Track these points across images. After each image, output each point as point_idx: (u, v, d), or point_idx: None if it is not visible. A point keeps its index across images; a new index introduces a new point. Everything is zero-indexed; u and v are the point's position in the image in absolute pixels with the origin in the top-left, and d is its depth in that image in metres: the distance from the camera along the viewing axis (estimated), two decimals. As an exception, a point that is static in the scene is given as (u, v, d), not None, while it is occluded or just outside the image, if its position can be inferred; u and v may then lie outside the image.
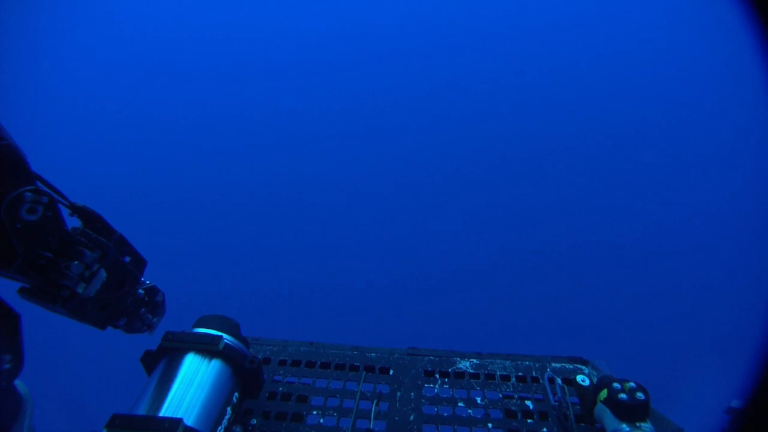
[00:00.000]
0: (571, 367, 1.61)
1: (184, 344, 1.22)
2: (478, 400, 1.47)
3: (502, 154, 7.53)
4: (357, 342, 1.70)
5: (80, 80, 7.91)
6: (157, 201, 6.94)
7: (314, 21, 9.02)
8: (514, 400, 1.47)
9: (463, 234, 6.79)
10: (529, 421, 1.40)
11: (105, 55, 8.22)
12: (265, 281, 6.27)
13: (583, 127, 7.63)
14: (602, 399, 1.28)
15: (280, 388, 1.50)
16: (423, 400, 1.47)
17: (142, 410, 1.07)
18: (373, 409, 1.41)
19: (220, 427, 1.15)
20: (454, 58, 8.61)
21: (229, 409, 1.20)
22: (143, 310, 1.16)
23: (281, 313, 5.87)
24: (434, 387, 1.52)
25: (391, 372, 1.58)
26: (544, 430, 1.37)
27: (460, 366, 1.60)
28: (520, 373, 1.57)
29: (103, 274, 0.96)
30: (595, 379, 1.41)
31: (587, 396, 1.36)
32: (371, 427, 1.36)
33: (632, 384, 1.26)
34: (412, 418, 1.41)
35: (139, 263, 1.13)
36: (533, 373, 1.58)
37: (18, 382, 0.88)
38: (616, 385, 1.26)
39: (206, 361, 1.21)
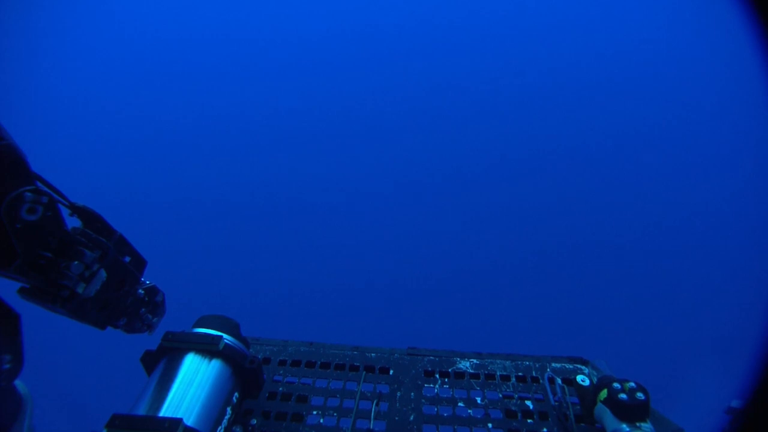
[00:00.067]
0: (571, 367, 1.61)
1: (184, 344, 1.22)
2: (478, 400, 1.47)
3: (502, 154, 7.53)
4: (357, 342, 1.70)
5: (80, 80, 7.91)
6: (157, 201, 6.94)
7: (314, 21, 9.02)
8: (514, 400, 1.47)
9: (463, 234, 6.79)
10: (529, 421, 1.40)
11: (105, 55, 8.23)
12: (265, 281, 6.27)
13: (583, 127, 7.63)
14: (602, 399, 1.28)
15: (280, 388, 1.50)
16: (423, 400, 1.47)
17: (142, 410, 1.07)
18: (373, 409, 1.41)
19: (220, 427, 1.15)
20: (453, 58, 8.61)
21: (229, 409, 1.20)
22: (143, 310, 1.16)
23: (281, 313, 5.87)
24: (434, 387, 1.52)
25: (391, 372, 1.58)
26: (544, 430, 1.37)
27: (460, 366, 1.60)
28: (520, 373, 1.57)
29: (103, 274, 0.96)
30: (595, 379, 1.41)
31: (587, 396, 1.36)
32: (371, 427, 1.36)
33: (632, 384, 1.26)
34: (412, 418, 1.41)
35: (139, 263, 1.13)
36: (533, 373, 1.58)
37: (18, 382, 0.88)
38: (616, 385, 1.26)
39: (206, 361, 1.21)
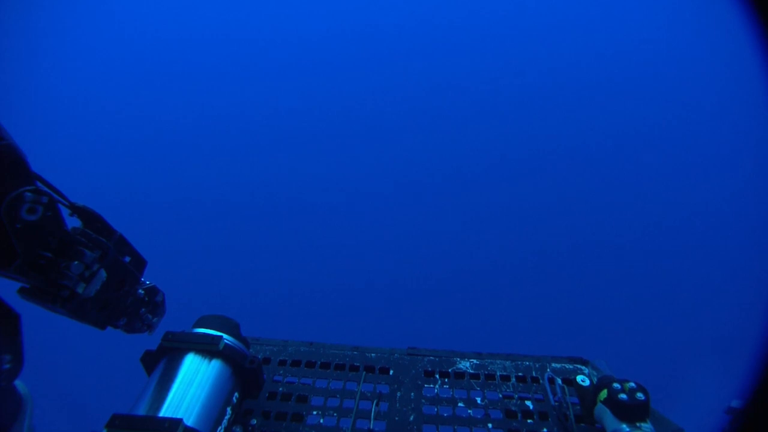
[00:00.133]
0: (571, 367, 1.61)
1: (184, 344, 1.22)
2: (478, 400, 1.47)
3: (502, 154, 7.53)
4: (357, 342, 1.70)
5: (80, 80, 7.91)
6: (157, 201, 6.94)
7: (314, 21, 9.02)
8: (514, 401, 1.47)
9: (463, 234, 6.79)
10: (529, 421, 1.40)
11: (105, 55, 8.23)
12: (265, 281, 6.27)
13: (583, 127, 7.63)
14: (602, 399, 1.28)
15: (280, 388, 1.50)
16: (423, 400, 1.47)
17: (142, 410, 1.07)
18: (373, 409, 1.41)
19: (220, 427, 1.15)
20: (453, 58, 8.61)
21: (229, 409, 1.20)
22: (143, 310, 1.16)
23: (281, 313, 5.87)
24: (434, 387, 1.52)
25: (391, 372, 1.58)
26: (544, 430, 1.37)
27: (460, 366, 1.60)
28: (520, 374, 1.57)
29: (103, 274, 0.96)
30: (595, 379, 1.41)
31: (587, 396, 1.36)
32: (371, 427, 1.36)
33: (632, 384, 1.26)
34: (412, 418, 1.41)
35: (139, 263, 1.13)
36: (533, 373, 1.58)
37: (18, 382, 0.88)
38: (616, 385, 1.26)
39: (206, 361, 1.21)
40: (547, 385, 1.50)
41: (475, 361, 1.63)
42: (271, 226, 6.91)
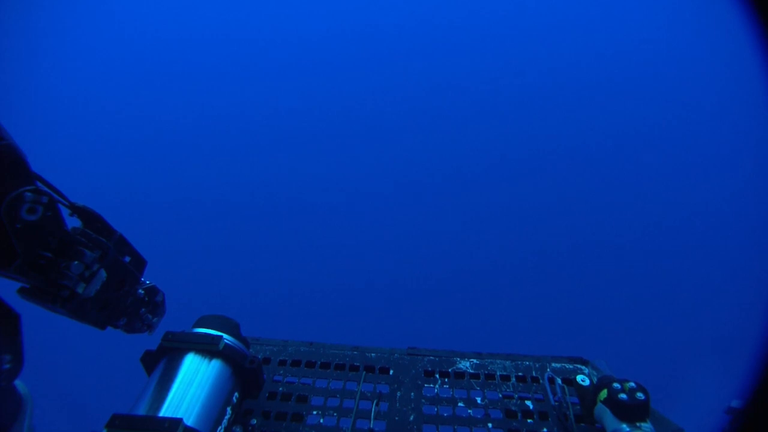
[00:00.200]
0: (571, 367, 1.61)
1: (184, 344, 1.22)
2: (478, 400, 1.47)
3: (502, 154, 7.53)
4: (357, 342, 1.70)
5: (80, 80, 7.91)
6: (157, 201, 6.94)
7: (314, 21, 9.02)
8: (514, 400, 1.47)
9: (463, 234, 6.79)
10: (529, 421, 1.40)
11: (105, 55, 8.23)
12: (265, 281, 6.27)
13: (583, 127, 7.63)
14: (602, 399, 1.28)
15: (280, 388, 1.50)
16: (423, 400, 1.47)
17: (142, 410, 1.07)
18: (373, 409, 1.41)
19: (220, 427, 1.15)
20: (453, 58, 8.61)
21: (229, 409, 1.20)
22: (143, 310, 1.16)
23: (281, 313, 5.87)
24: (434, 387, 1.52)
25: (391, 372, 1.58)
26: (544, 430, 1.37)
27: (460, 366, 1.60)
28: (520, 373, 1.57)
29: (103, 274, 0.96)
30: (595, 379, 1.41)
31: (587, 396, 1.36)
32: (371, 427, 1.36)
33: (632, 384, 1.26)
34: (412, 418, 1.41)
35: (139, 263, 1.13)
36: (533, 373, 1.58)
37: (18, 382, 0.88)
38: (616, 385, 1.26)
39: (206, 361, 1.21)
40: (547, 385, 1.50)
41: (475, 361, 1.63)
42: (271, 226, 6.91)
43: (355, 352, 1.65)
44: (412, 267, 6.37)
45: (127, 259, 1.09)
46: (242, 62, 8.73)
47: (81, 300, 0.93)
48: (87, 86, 7.86)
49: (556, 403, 1.43)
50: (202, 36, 8.77)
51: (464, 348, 1.68)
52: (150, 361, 1.24)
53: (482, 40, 8.77)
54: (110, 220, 1.04)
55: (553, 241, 6.50)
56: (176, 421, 1.02)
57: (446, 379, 1.56)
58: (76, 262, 0.90)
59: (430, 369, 1.59)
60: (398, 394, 1.49)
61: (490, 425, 1.39)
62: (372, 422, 1.37)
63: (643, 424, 1.21)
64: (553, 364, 1.62)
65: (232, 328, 1.32)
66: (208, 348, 1.22)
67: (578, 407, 1.40)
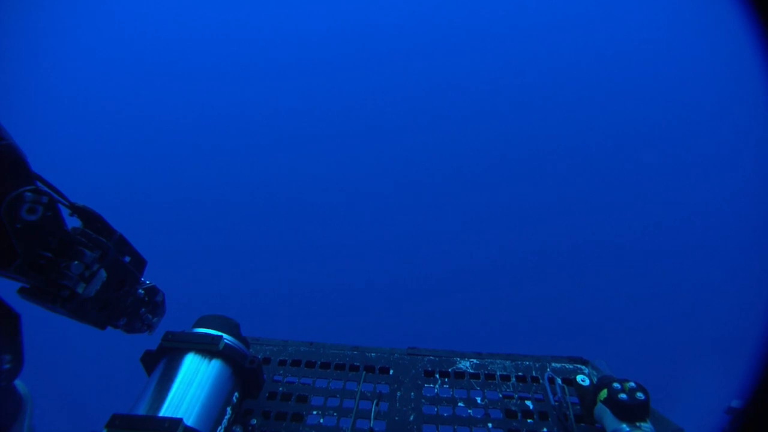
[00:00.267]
0: (571, 367, 1.61)
1: (184, 344, 1.22)
2: (478, 400, 1.47)
3: (502, 154, 7.53)
4: (357, 342, 1.70)
5: (80, 80, 7.91)
6: (157, 201, 6.94)
7: (314, 21, 9.02)
8: (514, 400, 1.47)
9: (463, 234, 6.79)
10: (529, 421, 1.40)
11: (105, 55, 8.23)
12: (265, 281, 6.27)
13: (583, 127, 7.63)
14: (602, 399, 1.28)
15: (280, 388, 1.50)
16: (423, 400, 1.47)
17: (142, 410, 1.07)
18: (373, 409, 1.41)
19: (220, 427, 1.15)
20: (453, 58, 8.61)
21: (229, 409, 1.20)
22: (143, 310, 1.16)
23: (281, 313, 5.87)
24: (434, 387, 1.52)
25: (391, 372, 1.58)
26: (544, 430, 1.37)
27: (460, 366, 1.60)
28: (520, 373, 1.57)
29: (103, 274, 0.96)
30: (595, 379, 1.41)
31: (587, 396, 1.36)
32: (371, 427, 1.36)
33: (632, 384, 1.26)
34: (412, 418, 1.41)
35: (139, 263, 1.13)
36: (533, 373, 1.58)
37: (18, 382, 0.88)
38: (616, 385, 1.26)
39: (206, 361, 1.21)
40: (547, 384, 1.50)
41: (475, 361, 1.63)
42: (271, 226, 6.91)
43: (355, 352, 1.65)
44: (412, 267, 6.37)
45: (127, 259, 1.09)
46: (242, 62, 8.73)
47: (81, 300, 0.93)
48: (87, 86, 7.86)
49: (556, 403, 1.43)
50: (202, 36, 8.77)
51: (464, 348, 1.68)
52: (150, 361, 1.23)
53: (482, 40, 8.77)
54: (110, 220, 1.04)
55: (553, 241, 6.50)
56: (176, 421, 1.02)
57: (446, 379, 1.56)
58: (76, 262, 0.90)
59: (430, 369, 1.59)
60: (398, 394, 1.49)
61: (490, 425, 1.39)
62: (372, 422, 1.37)
63: (643, 424, 1.21)
64: (553, 364, 1.62)
65: (232, 328, 1.32)
66: (208, 348, 1.22)
67: (578, 407, 1.40)
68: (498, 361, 1.63)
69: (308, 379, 1.54)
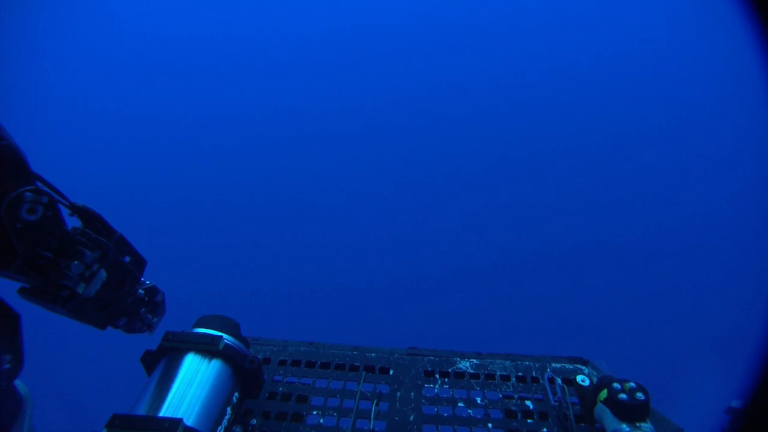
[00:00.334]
0: (571, 367, 1.61)
1: (184, 344, 1.22)
2: (478, 400, 1.47)
3: (502, 154, 7.54)
4: (357, 342, 1.70)
5: (80, 80, 7.91)
6: (157, 201, 6.94)
7: (314, 21, 9.02)
8: (514, 400, 1.47)
9: (463, 234, 6.79)
10: (529, 421, 1.40)
11: (105, 55, 8.22)
12: (265, 281, 6.27)
13: (583, 127, 7.63)
14: (602, 399, 1.28)
15: (280, 388, 1.50)
16: (423, 400, 1.47)
17: (142, 410, 1.07)
18: (373, 409, 1.41)
19: (220, 427, 1.15)
20: (453, 58, 8.61)
21: (229, 409, 1.20)
22: (143, 310, 1.16)
23: (281, 313, 5.87)
24: (434, 387, 1.52)
25: (391, 372, 1.58)
26: (544, 430, 1.37)
27: (460, 366, 1.60)
28: (520, 373, 1.57)
29: (103, 274, 0.96)
30: (595, 379, 1.41)
31: (587, 396, 1.36)
32: (371, 427, 1.36)
33: (632, 384, 1.26)
34: (412, 418, 1.41)
35: (139, 263, 1.13)
36: (533, 373, 1.58)
37: (18, 382, 0.88)
38: (616, 385, 1.26)
39: (206, 361, 1.21)
40: (547, 385, 1.50)
41: (475, 361, 1.63)
42: (271, 226, 6.91)
43: (355, 352, 1.65)
44: (412, 267, 6.37)
45: (127, 259, 1.09)
46: (242, 62, 8.73)
47: (81, 300, 0.93)
48: (87, 86, 7.86)
49: (556, 403, 1.43)
50: (202, 36, 8.77)
51: (464, 348, 1.68)
52: (150, 361, 1.23)
53: (482, 40, 8.77)
54: (110, 220, 1.04)
55: (553, 241, 6.50)
56: (176, 421, 1.02)
57: (446, 379, 1.56)
58: (76, 262, 0.90)
59: (430, 369, 1.59)
60: (398, 394, 1.49)
61: (490, 425, 1.39)
62: (372, 422, 1.37)
63: (643, 424, 1.21)
64: (553, 364, 1.62)
65: (232, 328, 1.32)
66: (208, 348, 1.22)
67: (578, 407, 1.40)
68: (498, 362, 1.63)
69: (308, 379, 1.54)
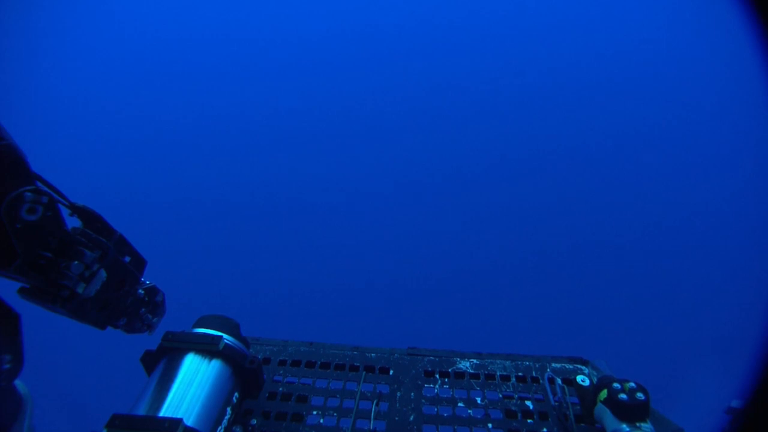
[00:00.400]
0: (571, 367, 1.61)
1: (184, 344, 1.22)
2: (478, 400, 1.47)
3: (502, 154, 7.54)
4: (357, 342, 1.70)
5: (80, 80, 7.91)
6: (157, 201, 6.94)
7: (314, 21, 9.02)
8: (514, 401, 1.47)
9: (463, 234, 6.79)
10: (529, 421, 1.40)
11: (105, 55, 8.23)
12: (265, 281, 6.27)
13: (583, 127, 7.63)
14: (602, 399, 1.28)
15: (280, 388, 1.50)
16: (423, 400, 1.47)
17: (142, 410, 1.07)
18: (373, 409, 1.41)
19: (220, 427, 1.15)
20: (453, 58, 8.61)
21: (229, 409, 1.20)
22: (143, 310, 1.16)
23: (281, 313, 5.87)
24: (434, 387, 1.52)
25: (391, 372, 1.58)
26: (544, 430, 1.37)
27: (460, 366, 1.60)
28: (520, 374, 1.57)
29: (103, 274, 0.96)
30: (595, 379, 1.41)
31: (587, 396, 1.36)
32: (371, 427, 1.36)
33: (632, 384, 1.26)
34: (412, 418, 1.41)
35: (139, 263, 1.13)
36: (533, 373, 1.58)
37: (18, 382, 0.88)
38: (616, 385, 1.26)
39: (206, 361, 1.21)
40: (547, 385, 1.50)
41: (475, 361, 1.63)
42: (271, 226, 6.91)
43: (355, 352, 1.65)
44: (412, 267, 6.37)
45: (127, 259, 1.09)
46: (242, 62, 8.73)
47: (81, 300, 0.93)
48: (87, 86, 7.86)
49: (556, 404, 1.43)
50: (202, 36, 8.77)
51: (464, 348, 1.68)
52: (150, 361, 1.23)
53: (482, 40, 8.77)
54: (110, 220, 1.04)
55: (553, 241, 6.50)
56: (176, 421, 1.02)
57: (446, 379, 1.56)
58: (76, 262, 0.90)
59: (430, 369, 1.59)
60: (398, 394, 1.49)
61: (490, 425, 1.39)
62: (372, 422, 1.37)
63: (643, 424, 1.21)
64: (553, 364, 1.62)
65: (232, 328, 1.32)
66: (208, 348, 1.22)
67: (578, 407, 1.40)
68: (498, 362, 1.63)
69: (308, 379, 1.54)
